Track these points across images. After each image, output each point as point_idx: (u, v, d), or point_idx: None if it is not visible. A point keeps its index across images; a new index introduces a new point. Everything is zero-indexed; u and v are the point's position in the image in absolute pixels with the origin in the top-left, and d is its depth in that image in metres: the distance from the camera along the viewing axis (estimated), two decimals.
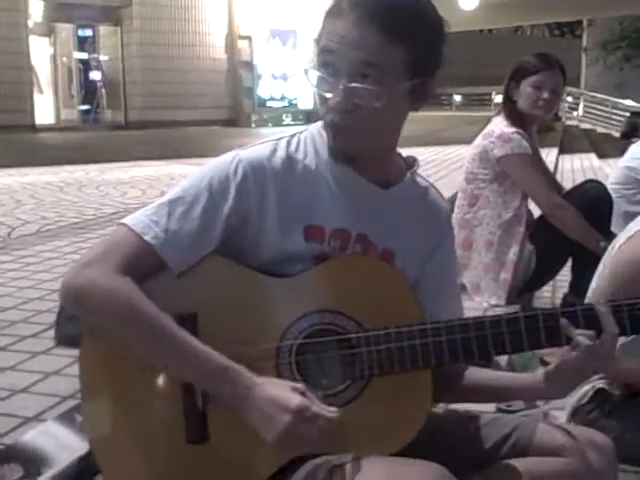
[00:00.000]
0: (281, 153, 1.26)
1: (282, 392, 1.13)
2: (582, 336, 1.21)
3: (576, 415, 2.08)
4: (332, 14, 1.20)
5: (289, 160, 1.26)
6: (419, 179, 1.38)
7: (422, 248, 1.36)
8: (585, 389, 2.11)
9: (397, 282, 1.27)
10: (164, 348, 1.16)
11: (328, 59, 1.20)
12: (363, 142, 1.23)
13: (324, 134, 1.28)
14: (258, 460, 1.19)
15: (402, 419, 1.24)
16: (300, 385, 1.15)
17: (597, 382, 2.08)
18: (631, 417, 2.04)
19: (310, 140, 1.30)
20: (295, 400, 1.11)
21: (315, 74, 1.21)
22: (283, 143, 1.28)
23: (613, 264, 1.99)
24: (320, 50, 1.21)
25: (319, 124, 1.30)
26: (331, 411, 1.12)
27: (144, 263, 1.19)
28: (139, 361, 1.20)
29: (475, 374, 1.36)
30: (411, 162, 1.37)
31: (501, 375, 1.37)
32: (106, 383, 1.22)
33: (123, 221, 1.22)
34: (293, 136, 1.30)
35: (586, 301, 1.92)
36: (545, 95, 3.27)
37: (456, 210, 3.48)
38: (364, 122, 1.20)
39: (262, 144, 1.28)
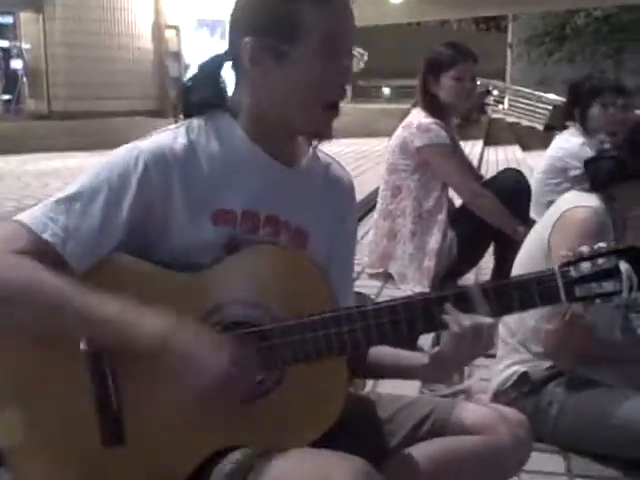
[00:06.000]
0: (182, 140, 1.24)
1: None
2: (455, 323, 1.20)
3: (497, 398, 2.15)
4: None
5: (191, 146, 1.24)
6: (321, 155, 1.40)
7: (330, 223, 1.38)
8: (507, 373, 2.18)
9: (310, 270, 1.26)
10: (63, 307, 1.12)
11: None
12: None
13: (226, 117, 1.28)
14: (177, 459, 1.18)
15: (320, 406, 1.24)
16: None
17: (520, 366, 2.15)
18: (545, 397, 2.10)
19: (211, 124, 1.28)
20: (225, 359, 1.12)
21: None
22: (183, 130, 1.26)
23: (560, 232, 2.05)
24: None
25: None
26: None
27: (41, 261, 1.14)
28: (49, 357, 1.16)
29: (374, 351, 1.37)
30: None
31: (397, 353, 1.37)
32: (13, 384, 1.18)
33: (18, 217, 1.17)
34: (192, 123, 1.28)
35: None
36: (467, 85, 3.39)
37: (379, 201, 3.52)
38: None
39: (162, 133, 1.26)
